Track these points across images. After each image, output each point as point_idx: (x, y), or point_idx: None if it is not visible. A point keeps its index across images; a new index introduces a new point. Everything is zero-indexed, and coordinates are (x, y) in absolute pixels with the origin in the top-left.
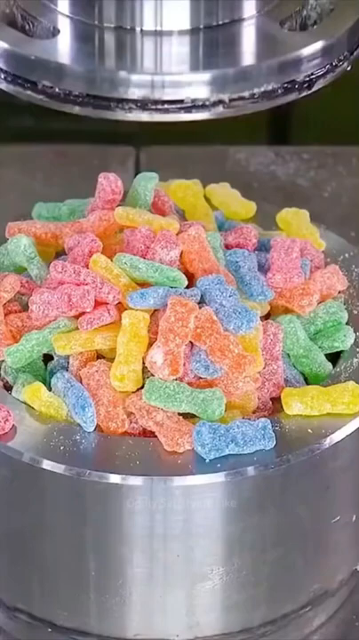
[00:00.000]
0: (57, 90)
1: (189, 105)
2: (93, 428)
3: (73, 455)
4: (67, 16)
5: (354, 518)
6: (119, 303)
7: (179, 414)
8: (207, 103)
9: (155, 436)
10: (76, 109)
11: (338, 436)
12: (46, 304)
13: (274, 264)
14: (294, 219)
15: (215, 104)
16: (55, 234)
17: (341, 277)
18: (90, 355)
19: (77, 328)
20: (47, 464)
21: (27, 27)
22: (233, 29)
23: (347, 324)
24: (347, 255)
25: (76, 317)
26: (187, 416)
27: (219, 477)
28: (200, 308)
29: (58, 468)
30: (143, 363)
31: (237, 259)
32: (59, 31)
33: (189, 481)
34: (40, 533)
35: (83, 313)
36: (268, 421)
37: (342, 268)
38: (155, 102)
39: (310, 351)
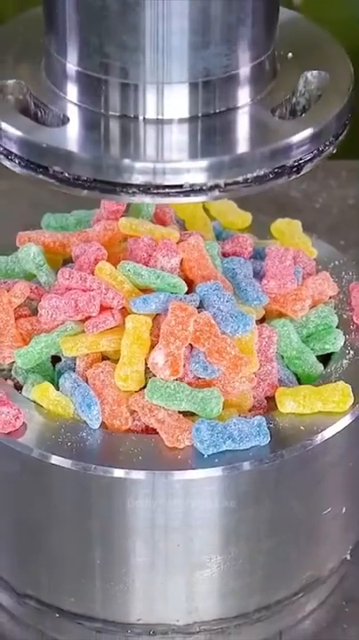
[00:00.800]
0: (67, 175)
1: (188, 189)
2: (99, 425)
3: (79, 451)
4: (76, 104)
5: (343, 510)
6: (123, 308)
7: (180, 412)
8: (204, 188)
9: (157, 433)
10: (84, 193)
11: (328, 432)
12: (54, 309)
13: (268, 271)
14: (287, 228)
15: (211, 188)
16: (63, 243)
17: (332, 283)
18: (95, 356)
19: (84, 331)
20: (55, 459)
21: (39, 114)
22: (228, 117)
23: (337, 327)
24: (337, 262)
25: (83, 321)
26: (187, 414)
27: (216, 472)
28: (199, 312)
29: (65, 463)
30: (145, 364)
31: (234, 266)
32: (68, 119)
33: (189, 475)
34: (48, 525)
35: (89, 317)
36: (263, 419)
37: (332, 275)
38: (157, 187)
39: (302, 353)
